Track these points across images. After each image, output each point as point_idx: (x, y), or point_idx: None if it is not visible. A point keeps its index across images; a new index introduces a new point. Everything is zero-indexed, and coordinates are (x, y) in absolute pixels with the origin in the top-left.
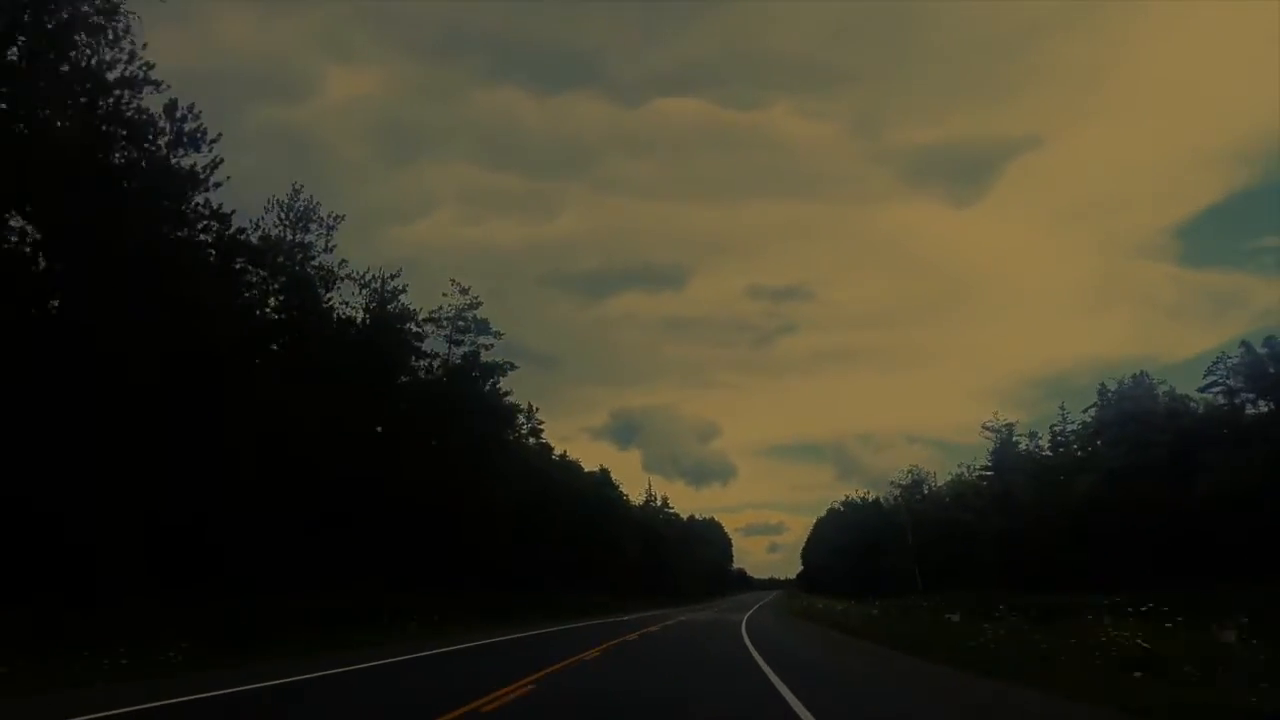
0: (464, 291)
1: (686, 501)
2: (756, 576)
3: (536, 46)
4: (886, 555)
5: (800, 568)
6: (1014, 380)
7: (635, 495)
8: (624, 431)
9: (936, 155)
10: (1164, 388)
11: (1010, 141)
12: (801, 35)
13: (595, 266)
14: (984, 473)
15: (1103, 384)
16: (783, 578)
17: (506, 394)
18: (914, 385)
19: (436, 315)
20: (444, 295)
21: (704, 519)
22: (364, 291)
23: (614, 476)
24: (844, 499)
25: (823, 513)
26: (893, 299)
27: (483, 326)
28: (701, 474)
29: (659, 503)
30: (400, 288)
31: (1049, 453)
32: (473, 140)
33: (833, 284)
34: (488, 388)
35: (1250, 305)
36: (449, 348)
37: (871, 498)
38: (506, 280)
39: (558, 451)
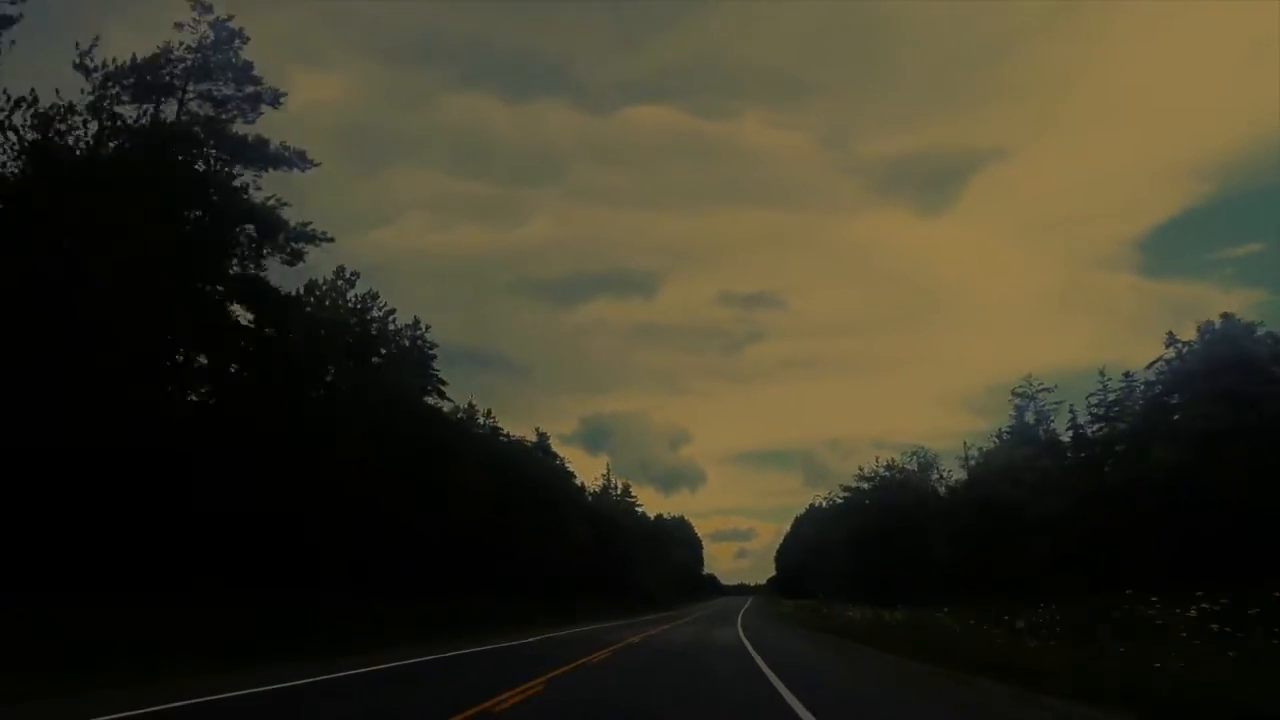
0: (205, 9)
1: (656, 508)
2: (726, 583)
3: (507, 53)
4: (902, 545)
5: (772, 573)
6: (979, 389)
7: (592, 484)
8: (594, 438)
9: (904, 166)
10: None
11: (977, 153)
12: (772, 46)
13: (566, 273)
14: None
15: (1170, 333)
16: (752, 583)
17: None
18: (881, 392)
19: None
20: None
21: (673, 518)
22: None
23: (564, 458)
24: (857, 472)
25: (789, 520)
26: (860, 307)
27: (242, 74)
28: (671, 480)
29: (618, 491)
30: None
31: (1068, 429)
32: (442, 146)
33: (802, 292)
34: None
35: (1208, 315)
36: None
37: (897, 465)
38: (477, 287)
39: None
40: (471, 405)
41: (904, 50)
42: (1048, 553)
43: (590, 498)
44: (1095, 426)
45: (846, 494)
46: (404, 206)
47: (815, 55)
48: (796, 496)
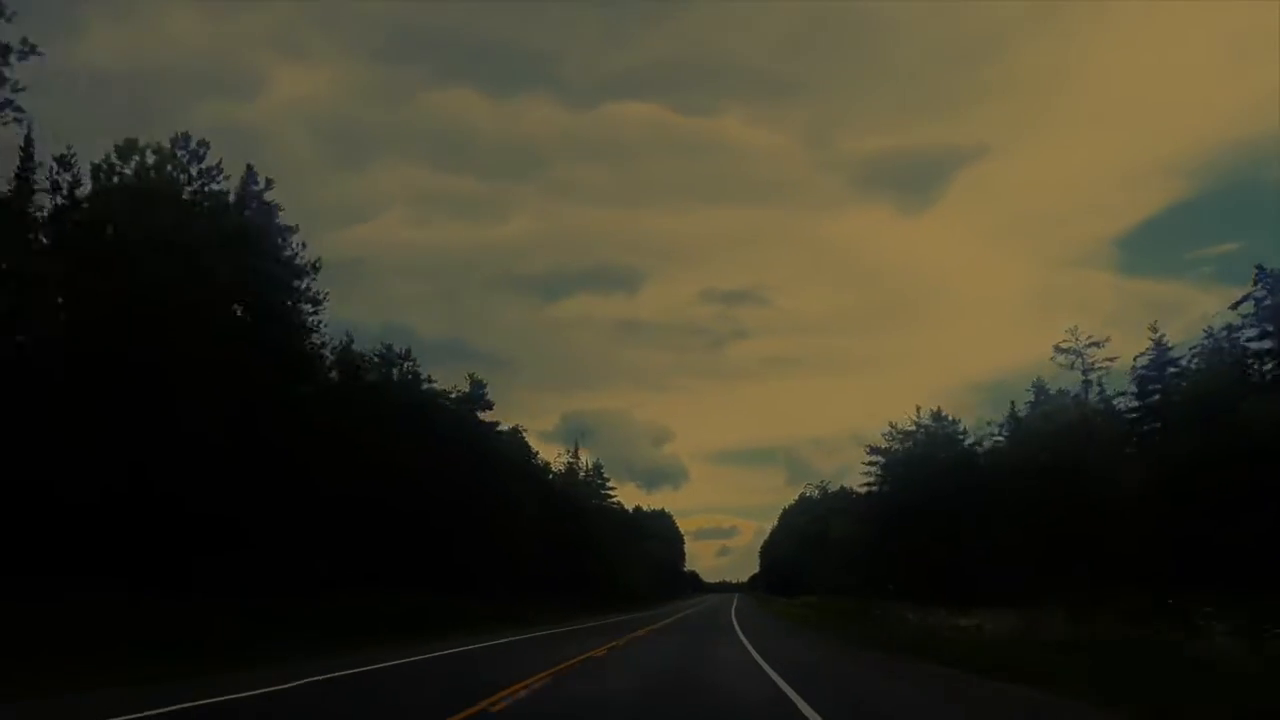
0: None
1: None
2: (708, 580)
3: (489, 48)
4: (946, 522)
5: (755, 570)
6: (960, 386)
7: (557, 464)
8: (576, 435)
9: (887, 164)
10: None
11: (959, 151)
12: (756, 43)
13: (548, 269)
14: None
15: (1259, 266)
16: (735, 581)
17: None
18: (862, 390)
19: None
20: None
21: (653, 510)
22: None
23: (521, 427)
24: (888, 429)
25: (772, 518)
26: (843, 305)
27: None
28: (653, 478)
29: (586, 470)
30: None
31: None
32: (424, 141)
33: (784, 289)
34: None
35: (1188, 313)
36: None
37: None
38: (458, 282)
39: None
40: (389, 347)
41: (888, 48)
42: (1137, 527)
43: (553, 477)
44: (1146, 389)
45: (873, 461)
46: (385, 201)
47: (799, 53)
48: (779, 494)
